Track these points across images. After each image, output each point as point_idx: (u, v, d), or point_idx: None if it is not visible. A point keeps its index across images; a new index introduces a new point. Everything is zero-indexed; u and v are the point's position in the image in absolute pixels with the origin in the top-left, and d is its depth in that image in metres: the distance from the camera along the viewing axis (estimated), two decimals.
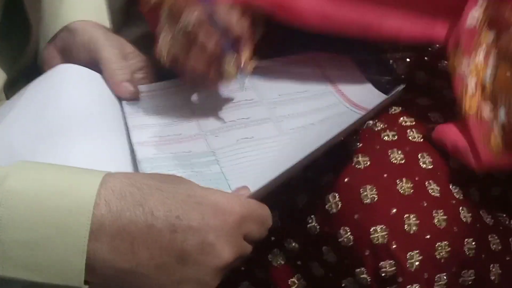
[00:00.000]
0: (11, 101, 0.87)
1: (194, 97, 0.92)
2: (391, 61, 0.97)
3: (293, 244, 0.90)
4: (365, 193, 0.83)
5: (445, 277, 0.83)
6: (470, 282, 0.84)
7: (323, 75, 0.95)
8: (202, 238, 0.67)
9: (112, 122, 0.87)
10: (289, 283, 0.92)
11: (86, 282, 0.66)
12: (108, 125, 0.86)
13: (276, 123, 0.89)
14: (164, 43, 0.85)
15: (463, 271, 0.84)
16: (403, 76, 0.96)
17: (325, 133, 0.80)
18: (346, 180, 0.84)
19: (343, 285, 0.87)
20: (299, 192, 0.89)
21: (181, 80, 0.91)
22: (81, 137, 0.81)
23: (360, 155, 0.85)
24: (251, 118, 0.89)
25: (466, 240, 0.83)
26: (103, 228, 0.65)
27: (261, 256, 0.93)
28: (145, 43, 0.94)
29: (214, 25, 0.83)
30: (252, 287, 0.96)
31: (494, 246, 0.87)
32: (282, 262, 0.91)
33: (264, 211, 0.74)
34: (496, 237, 0.87)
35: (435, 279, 0.83)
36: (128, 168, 0.82)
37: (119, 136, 0.86)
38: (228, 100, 0.92)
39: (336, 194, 0.84)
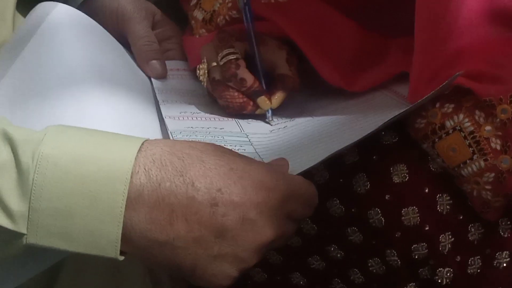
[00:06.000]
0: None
1: None
2: None
3: (311, 225, 0.86)
4: (395, 172, 0.79)
5: (478, 260, 0.79)
6: (505, 264, 0.80)
7: None
8: (243, 213, 0.65)
9: (127, 82, 0.85)
10: (308, 262, 0.88)
11: (122, 253, 0.64)
12: (124, 86, 0.83)
13: (309, 113, 0.86)
14: (207, 67, 0.86)
15: (497, 253, 0.80)
16: None
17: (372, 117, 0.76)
18: (374, 158, 0.80)
19: (368, 265, 0.83)
20: (317, 169, 0.84)
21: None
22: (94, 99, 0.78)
23: (387, 129, 0.81)
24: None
25: (500, 220, 0.80)
26: (141, 197, 0.63)
27: None
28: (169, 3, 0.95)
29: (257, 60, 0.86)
30: (263, 273, 0.92)
31: None
32: (298, 245, 0.88)
33: (309, 189, 0.71)
34: None
35: (469, 262, 0.79)
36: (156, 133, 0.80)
37: (140, 103, 0.84)
38: None
39: (364, 174, 0.80)
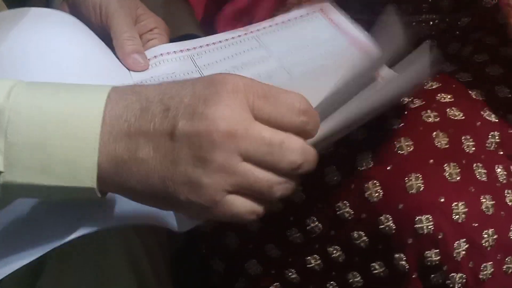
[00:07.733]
0: None
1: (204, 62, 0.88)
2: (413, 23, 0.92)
3: (316, 224, 0.84)
4: (410, 183, 0.77)
5: (491, 266, 0.79)
6: None
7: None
8: (192, 109, 0.62)
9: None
10: (306, 261, 0.86)
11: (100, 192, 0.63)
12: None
13: (287, 69, 0.82)
14: None
15: (507, 258, 0.80)
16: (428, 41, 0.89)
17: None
18: (388, 168, 0.77)
19: (371, 268, 0.82)
20: (329, 169, 0.83)
21: None
22: None
23: (402, 138, 0.79)
24: (262, 71, 0.83)
25: (511, 225, 0.79)
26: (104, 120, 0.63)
27: (277, 232, 0.87)
28: None
29: None
30: (259, 265, 0.90)
31: None
32: (299, 241, 0.85)
33: (284, 93, 0.63)
34: None
35: (481, 268, 0.79)
36: None
37: None
38: (238, 61, 0.87)
39: (377, 182, 0.78)
